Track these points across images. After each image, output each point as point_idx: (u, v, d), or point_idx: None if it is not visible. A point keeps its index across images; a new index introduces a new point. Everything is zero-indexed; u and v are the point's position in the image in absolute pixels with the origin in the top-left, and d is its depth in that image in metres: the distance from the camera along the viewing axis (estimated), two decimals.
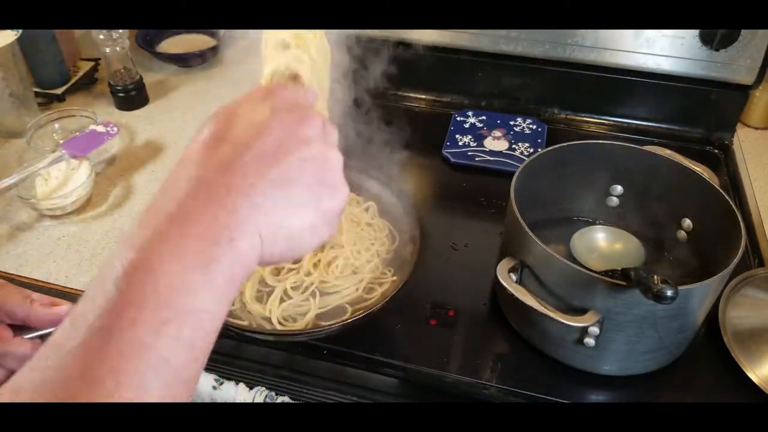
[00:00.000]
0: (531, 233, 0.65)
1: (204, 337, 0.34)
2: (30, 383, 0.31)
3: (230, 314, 0.73)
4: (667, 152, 0.81)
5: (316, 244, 0.41)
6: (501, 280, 0.66)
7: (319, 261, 0.78)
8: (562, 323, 0.62)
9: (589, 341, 0.65)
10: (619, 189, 0.82)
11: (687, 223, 0.77)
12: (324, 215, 0.40)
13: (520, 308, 0.68)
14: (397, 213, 0.84)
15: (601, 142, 0.79)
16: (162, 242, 0.33)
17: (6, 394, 0.30)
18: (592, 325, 0.63)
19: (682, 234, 0.78)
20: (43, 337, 0.57)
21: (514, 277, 0.68)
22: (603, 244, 0.81)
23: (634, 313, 0.62)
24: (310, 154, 0.39)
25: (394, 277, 0.78)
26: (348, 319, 0.70)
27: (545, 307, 0.63)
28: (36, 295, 0.56)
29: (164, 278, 0.32)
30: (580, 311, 0.63)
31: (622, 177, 0.81)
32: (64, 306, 0.57)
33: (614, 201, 0.83)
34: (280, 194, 0.37)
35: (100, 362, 0.30)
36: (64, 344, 0.31)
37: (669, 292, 0.54)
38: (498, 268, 0.67)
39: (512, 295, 0.65)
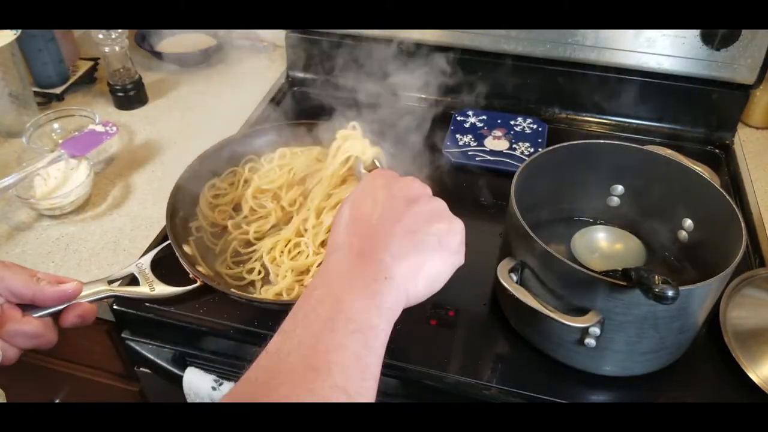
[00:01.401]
0: (531, 233, 0.65)
1: (379, 345, 0.45)
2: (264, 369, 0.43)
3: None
4: (668, 152, 0.80)
5: (449, 274, 0.53)
6: (501, 280, 0.66)
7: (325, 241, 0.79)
8: (563, 323, 0.62)
9: (590, 341, 0.65)
10: (620, 189, 0.82)
11: (688, 223, 0.77)
12: (449, 248, 0.53)
13: (520, 308, 0.68)
14: None
15: (602, 141, 0.79)
16: (340, 283, 0.47)
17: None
18: (593, 325, 0.63)
19: (683, 234, 0.78)
20: (52, 315, 0.58)
21: (514, 277, 0.68)
22: (604, 244, 0.81)
23: (635, 314, 0.62)
24: (420, 209, 0.53)
25: None
26: None
27: (546, 308, 0.63)
28: (41, 274, 0.57)
29: (347, 304, 0.45)
30: (581, 311, 0.63)
31: (622, 177, 0.81)
32: (70, 283, 0.58)
33: (615, 201, 0.83)
34: (407, 243, 0.50)
35: (315, 356, 0.41)
36: (282, 348, 0.43)
37: (670, 293, 0.54)
38: (498, 268, 0.67)
39: (512, 295, 0.65)
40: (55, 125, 1.03)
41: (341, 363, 0.41)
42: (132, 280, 0.75)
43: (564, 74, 1.06)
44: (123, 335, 0.81)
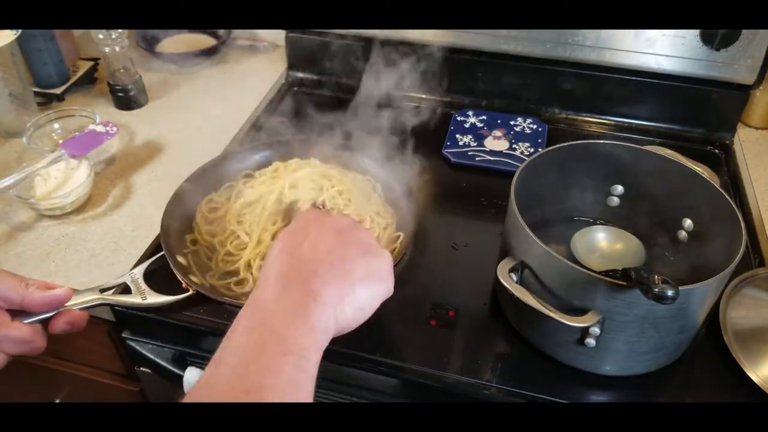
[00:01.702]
0: (531, 233, 0.65)
1: (311, 366, 0.46)
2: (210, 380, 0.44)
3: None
4: (667, 152, 0.81)
5: (377, 304, 0.55)
6: (501, 280, 0.66)
7: None
8: (563, 323, 0.62)
9: (590, 341, 0.65)
10: (619, 189, 0.82)
11: (688, 223, 0.77)
12: (377, 278, 0.55)
13: (520, 308, 0.68)
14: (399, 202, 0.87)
15: (602, 141, 0.79)
16: (270, 310, 0.48)
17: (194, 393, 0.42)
18: (593, 325, 0.63)
19: (683, 234, 0.78)
20: (42, 322, 0.57)
21: (514, 277, 0.68)
22: (603, 244, 0.81)
23: (635, 314, 0.62)
24: (348, 239, 0.56)
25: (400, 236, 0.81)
26: None
27: (546, 308, 0.63)
28: (31, 280, 0.56)
29: (278, 328, 0.46)
30: (581, 311, 0.63)
31: (622, 177, 0.81)
32: (59, 289, 0.57)
33: (615, 201, 0.83)
34: (336, 270, 0.52)
35: (249, 380, 0.42)
36: (215, 376, 0.44)
37: (670, 293, 0.54)
38: (498, 268, 0.67)
39: (513, 295, 0.65)
40: (56, 125, 1.03)
41: (274, 386, 0.42)
42: (125, 289, 0.74)
43: (564, 74, 1.06)
44: (123, 335, 0.81)
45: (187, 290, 0.74)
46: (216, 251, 0.80)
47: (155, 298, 0.72)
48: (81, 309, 0.61)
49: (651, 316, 0.62)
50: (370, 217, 0.82)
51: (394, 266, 0.71)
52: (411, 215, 0.82)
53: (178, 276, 0.74)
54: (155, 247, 0.84)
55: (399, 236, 0.81)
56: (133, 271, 0.75)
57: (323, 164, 0.89)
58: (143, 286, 0.73)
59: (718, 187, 0.72)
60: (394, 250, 0.80)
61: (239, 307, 0.71)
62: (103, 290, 0.69)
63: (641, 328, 0.63)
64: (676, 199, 0.77)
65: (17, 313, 0.55)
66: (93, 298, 0.64)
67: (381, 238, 0.81)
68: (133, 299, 0.71)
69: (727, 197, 0.70)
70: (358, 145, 0.91)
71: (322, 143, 0.92)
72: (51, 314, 0.58)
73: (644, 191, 0.80)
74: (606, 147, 0.78)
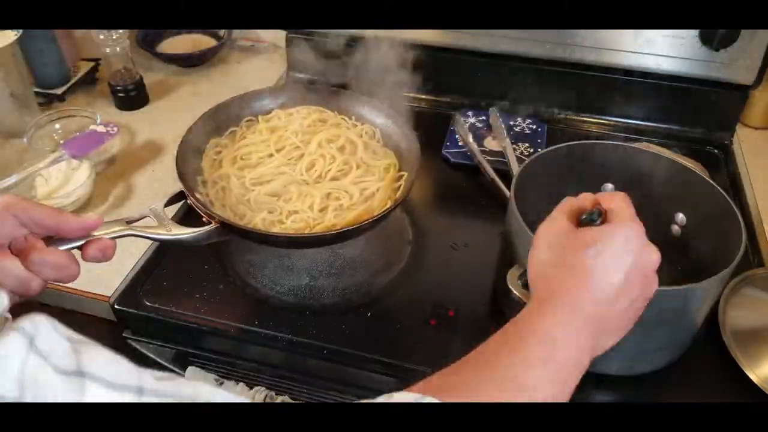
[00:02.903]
0: (531, 234, 0.65)
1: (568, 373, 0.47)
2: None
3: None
4: (656, 148, 0.80)
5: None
6: (512, 289, 0.65)
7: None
8: None
9: None
10: (609, 187, 0.82)
11: (680, 217, 0.77)
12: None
13: None
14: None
15: (602, 142, 0.79)
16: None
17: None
18: None
19: (675, 228, 0.78)
20: (80, 248, 0.58)
21: (521, 283, 0.67)
22: None
23: (643, 315, 0.62)
24: (649, 292, 0.53)
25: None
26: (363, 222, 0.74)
27: None
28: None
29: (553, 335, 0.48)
30: None
31: (612, 175, 0.81)
32: (93, 215, 0.58)
33: None
34: (622, 327, 0.53)
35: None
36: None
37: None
38: (508, 277, 0.66)
39: (524, 303, 0.64)
40: (57, 126, 1.03)
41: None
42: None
43: (563, 74, 1.06)
44: (124, 335, 0.81)
45: (209, 223, 0.73)
46: (228, 190, 0.83)
47: (181, 231, 0.70)
48: (110, 238, 0.61)
49: (656, 317, 0.62)
50: (356, 164, 0.85)
51: (398, 204, 0.76)
52: (413, 156, 0.84)
53: (200, 210, 0.74)
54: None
55: (402, 175, 0.84)
56: (154, 205, 0.72)
57: (319, 109, 0.93)
58: (167, 218, 0.71)
59: (708, 179, 0.72)
60: (399, 188, 0.82)
61: (268, 235, 0.75)
62: (129, 222, 0.66)
63: (647, 328, 0.63)
64: (666, 193, 0.77)
65: (50, 241, 0.56)
66: (121, 228, 0.63)
67: (383, 179, 0.84)
68: (159, 231, 0.69)
69: (727, 197, 0.70)
70: (355, 95, 0.94)
71: (321, 92, 0.95)
72: (82, 242, 0.58)
73: (635, 188, 0.80)
74: (606, 147, 0.79)
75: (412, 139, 0.86)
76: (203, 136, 0.88)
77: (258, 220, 0.78)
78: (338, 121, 0.92)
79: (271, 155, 0.86)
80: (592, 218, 0.55)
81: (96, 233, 0.59)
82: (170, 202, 0.75)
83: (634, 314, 0.53)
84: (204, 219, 0.74)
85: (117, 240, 0.61)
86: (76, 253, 0.58)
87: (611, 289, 0.50)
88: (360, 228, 0.74)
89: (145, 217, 0.70)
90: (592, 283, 0.50)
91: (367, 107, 0.93)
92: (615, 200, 0.55)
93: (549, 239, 0.55)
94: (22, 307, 0.56)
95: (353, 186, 0.82)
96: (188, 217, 0.81)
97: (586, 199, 0.57)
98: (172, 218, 0.71)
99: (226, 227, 0.73)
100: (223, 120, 0.91)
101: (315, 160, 0.85)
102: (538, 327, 0.49)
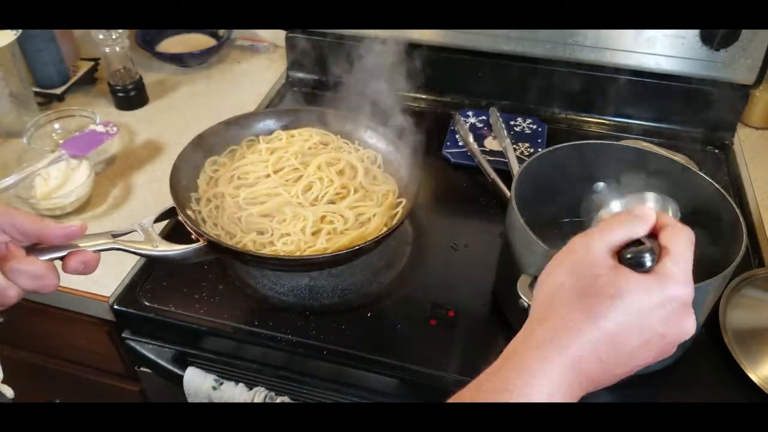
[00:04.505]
0: (531, 234, 0.65)
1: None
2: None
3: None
4: (644, 144, 0.80)
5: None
6: (522, 296, 0.64)
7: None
8: None
9: None
10: (600, 186, 0.81)
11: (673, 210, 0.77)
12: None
13: None
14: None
15: (601, 142, 0.79)
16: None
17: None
18: None
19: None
20: (61, 260, 0.57)
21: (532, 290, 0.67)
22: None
23: None
24: (668, 349, 0.45)
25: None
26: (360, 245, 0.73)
27: None
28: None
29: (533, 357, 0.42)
30: None
31: (612, 175, 0.80)
32: (77, 223, 0.57)
33: (599, 198, 0.82)
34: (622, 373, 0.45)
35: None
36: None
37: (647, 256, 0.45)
38: (519, 283, 0.65)
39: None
40: (56, 125, 1.03)
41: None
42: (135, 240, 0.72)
43: (564, 74, 1.06)
44: (123, 335, 0.81)
45: (197, 241, 0.72)
46: (222, 209, 0.82)
47: (167, 247, 0.69)
48: (94, 251, 0.60)
49: None
50: (354, 188, 0.84)
51: (395, 230, 0.74)
52: (413, 184, 0.82)
53: (189, 227, 0.74)
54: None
55: (401, 202, 0.83)
56: (143, 220, 0.72)
57: (322, 131, 0.92)
58: (154, 234, 0.70)
59: (697, 170, 0.72)
60: (395, 215, 0.81)
61: (253, 256, 0.73)
62: (115, 236, 0.66)
63: None
64: (658, 190, 0.77)
65: (32, 250, 0.56)
66: (106, 241, 0.63)
67: (381, 204, 0.83)
68: (145, 246, 0.68)
69: (728, 197, 0.70)
70: (359, 119, 0.93)
71: (325, 115, 0.94)
72: (64, 253, 0.57)
73: (625, 185, 0.80)
74: (605, 147, 0.78)
75: (415, 167, 0.84)
76: (201, 152, 0.88)
77: (248, 241, 0.77)
78: (340, 145, 0.91)
79: (268, 176, 0.85)
80: (640, 260, 0.44)
81: (80, 245, 0.58)
82: (160, 218, 0.74)
83: (634, 368, 0.45)
84: (193, 236, 0.73)
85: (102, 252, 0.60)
86: (58, 265, 0.57)
87: (622, 353, 0.43)
88: (351, 253, 0.73)
89: (133, 231, 0.70)
90: (602, 344, 0.42)
91: (371, 132, 0.92)
92: (677, 240, 0.45)
93: (575, 266, 0.45)
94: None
95: (349, 210, 0.80)
96: (179, 232, 0.79)
97: (640, 223, 0.45)
98: (164, 232, 0.70)
99: (214, 246, 0.72)
100: (222, 138, 0.90)
101: (312, 183, 0.83)
102: (522, 380, 0.42)
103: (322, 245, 0.76)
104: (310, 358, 0.74)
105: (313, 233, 0.78)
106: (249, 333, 0.75)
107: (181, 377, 0.78)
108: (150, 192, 0.94)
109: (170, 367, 0.80)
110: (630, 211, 0.46)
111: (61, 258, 0.57)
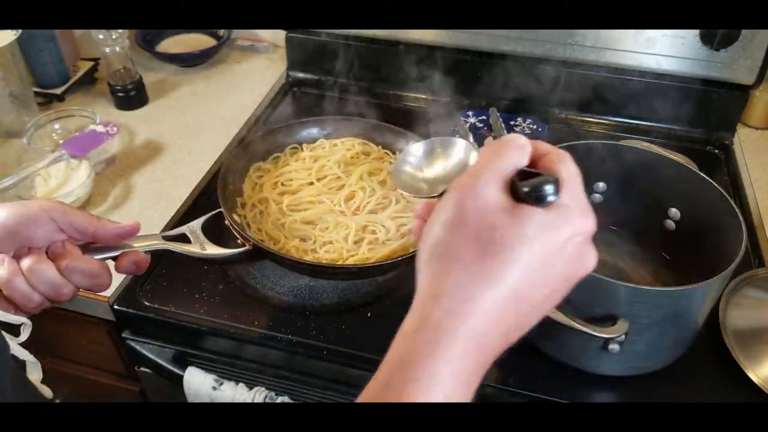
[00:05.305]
0: None
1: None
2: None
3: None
4: (644, 145, 0.80)
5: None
6: None
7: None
8: (596, 336, 0.62)
9: (614, 347, 0.65)
10: (601, 186, 0.81)
11: (673, 211, 0.77)
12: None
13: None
14: None
15: (601, 142, 0.79)
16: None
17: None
18: (624, 333, 0.62)
19: (669, 223, 0.78)
20: (114, 259, 0.59)
21: None
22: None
23: (658, 313, 0.62)
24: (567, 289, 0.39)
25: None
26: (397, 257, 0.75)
27: (576, 322, 0.62)
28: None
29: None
30: (602, 317, 0.63)
31: (612, 174, 0.80)
32: (131, 222, 0.59)
33: (598, 198, 0.82)
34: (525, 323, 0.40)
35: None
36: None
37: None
38: None
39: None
40: (56, 125, 1.03)
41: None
42: (184, 240, 0.74)
43: (564, 74, 1.06)
44: (124, 335, 0.81)
45: (243, 246, 0.75)
46: (266, 214, 0.84)
47: (214, 250, 0.72)
48: (145, 252, 0.61)
49: (659, 316, 0.62)
50: (395, 198, 0.85)
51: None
52: None
53: (236, 231, 0.76)
54: (180, 216, 0.87)
55: None
56: (191, 223, 0.75)
57: (363, 141, 0.94)
58: (202, 237, 0.73)
59: (698, 171, 0.72)
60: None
61: (300, 263, 0.75)
62: (165, 237, 0.69)
63: (649, 328, 0.63)
64: (658, 190, 0.77)
65: (87, 251, 0.57)
66: (157, 242, 0.65)
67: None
68: (192, 248, 0.72)
69: (728, 197, 0.70)
70: (402, 131, 0.94)
71: (367, 125, 0.95)
72: (118, 253, 0.59)
73: (626, 185, 0.80)
74: (595, 147, 0.78)
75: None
76: (245, 158, 0.90)
77: (291, 247, 0.79)
78: (381, 155, 0.93)
79: (311, 183, 0.87)
80: (542, 193, 0.37)
81: (132, 245, 0.60)
82: (208, 222, 0.76)
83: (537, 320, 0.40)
84: (239, 240, 0.76)
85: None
86: (110, 264, 0.58)
87: (529, 307, 0.38)
88: (393, 264, 0.75)
89: (182, 233, 0.73)
90: (509, 306, 0.38)
91: (412, 143, 0.92)
92: (564, 166, 0.39)
93: (466, 218, 0.37)
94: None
95: (390, 221, 0.82)
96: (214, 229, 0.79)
97: (521, 151, 0.39)
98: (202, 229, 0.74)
99: (259, 251, 0.75)
100: (266, 145, 0.92)
101: (354, 192, 0.85)
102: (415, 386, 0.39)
103: (365, 254, 0.78)
104: (310, 358, 0.74)
105: (356, 242, 0.80)
106: (249, 333, 0.75)
107: (181, 377, 0.78)
108: (150, 192, 0.94)
109: (170, 367, 0.80)
110: (502, 140, 0.39)
111: (114, 258, 0.59)
